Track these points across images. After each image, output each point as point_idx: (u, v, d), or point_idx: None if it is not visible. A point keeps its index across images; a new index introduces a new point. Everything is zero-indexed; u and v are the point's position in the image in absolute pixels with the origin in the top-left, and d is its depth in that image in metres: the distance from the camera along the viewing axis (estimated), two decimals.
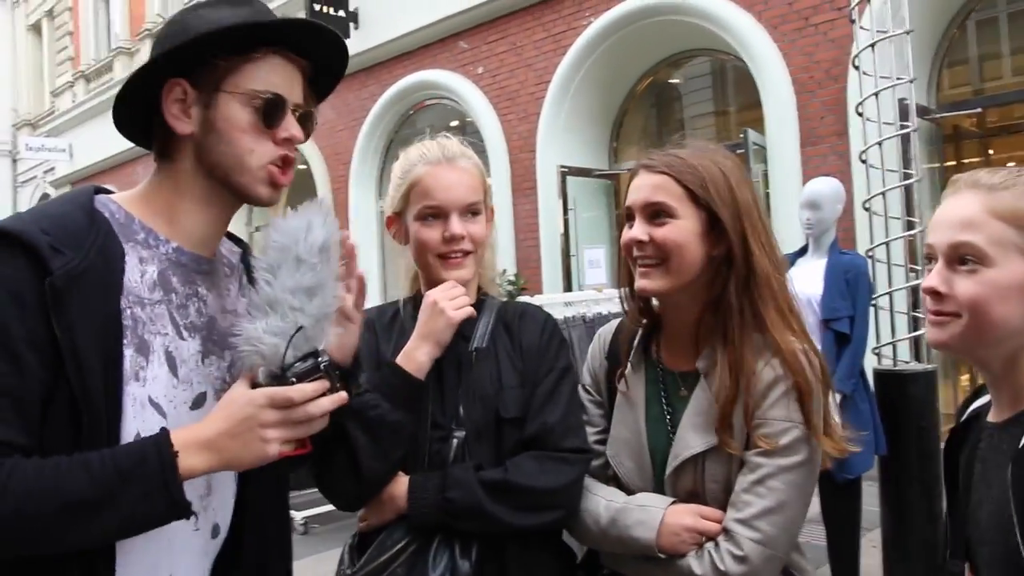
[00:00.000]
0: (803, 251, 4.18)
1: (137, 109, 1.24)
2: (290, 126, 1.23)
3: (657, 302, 1.63)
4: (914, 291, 4.10)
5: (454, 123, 10.13)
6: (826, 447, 1.45)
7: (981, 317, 1.13)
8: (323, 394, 1.15)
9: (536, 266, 8.74)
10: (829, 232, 4.06)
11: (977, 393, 1.35)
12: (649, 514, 1.50)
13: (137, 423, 1.13)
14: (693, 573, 1.44)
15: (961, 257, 1.16)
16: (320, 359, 1.16)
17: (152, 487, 1.05)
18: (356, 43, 9.88)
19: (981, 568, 1.20)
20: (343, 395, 1.18)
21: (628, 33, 8.20)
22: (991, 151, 8.83)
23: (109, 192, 1.24)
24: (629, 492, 1.60)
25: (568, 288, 8.36)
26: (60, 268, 1.06)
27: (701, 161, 1.51)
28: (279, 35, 1.21)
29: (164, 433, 1.10)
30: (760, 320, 1.48)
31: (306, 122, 1.26)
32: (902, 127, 4.17)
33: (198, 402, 1.22)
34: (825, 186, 4.10)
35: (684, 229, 1.48)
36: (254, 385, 1.15)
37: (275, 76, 1.21)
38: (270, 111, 1.20)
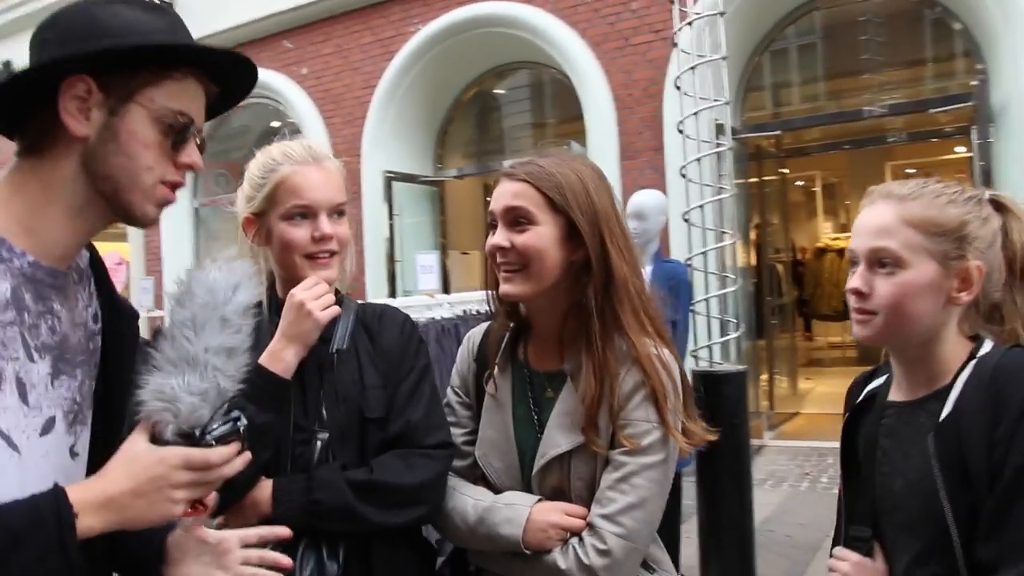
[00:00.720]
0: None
1: (8, 91, 1.09)
2: (192, 152, 1.16)
3: (523, 306, 1.67)
4: (725, 298, 4.43)
5: (275, 123, 9.86)
6: (681, 444, 1.54)
7: (898, 313, 1.28)
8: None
9: (359, 270, 8.67)
10: (653, 242, 4.30)
11: (869, 378, 1.50)
12: (516, 512, 1.53)
13: None
14: (558, 567, 1.48)
15: (880, 260, 1.29)
16: (239, 422, 1.13)
17: (48, 550, 0.97)
18: None
19: (891, 531, 1.34)
20: (249, 455, 1.15)
21: (455, 42, 8.30)
22: (786, 169, 9.63)
23: None
24: (497, 491, 1.62)
25: (392, 293, 8.35)
26: None
27: (560, 169, 1.55)
28: (201, 57, 1.14)
29: (60, 491, 1.01)
30: (619, 323, 1.53)
31: (201, 149, 1.20)
32: (718, 145, 4.49)
33: (47, 427, 1.10)
34: (650, 198, 4.34)
35: (543, 235, 1.52)
36: (154, 440, 1.09)
37: (188, 98, 1.14)
38: (180, 133, 1.13)
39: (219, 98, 1.21)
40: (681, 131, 4.43)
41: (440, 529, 1.67)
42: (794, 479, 6.49)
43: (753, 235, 8.53)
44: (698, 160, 4.34)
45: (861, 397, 1.47)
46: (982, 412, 1.19)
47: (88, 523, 1.01)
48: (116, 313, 1.25)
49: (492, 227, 1.59)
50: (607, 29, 7.39)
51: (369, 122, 8.72)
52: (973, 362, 1.27)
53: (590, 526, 1.50)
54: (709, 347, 4.24)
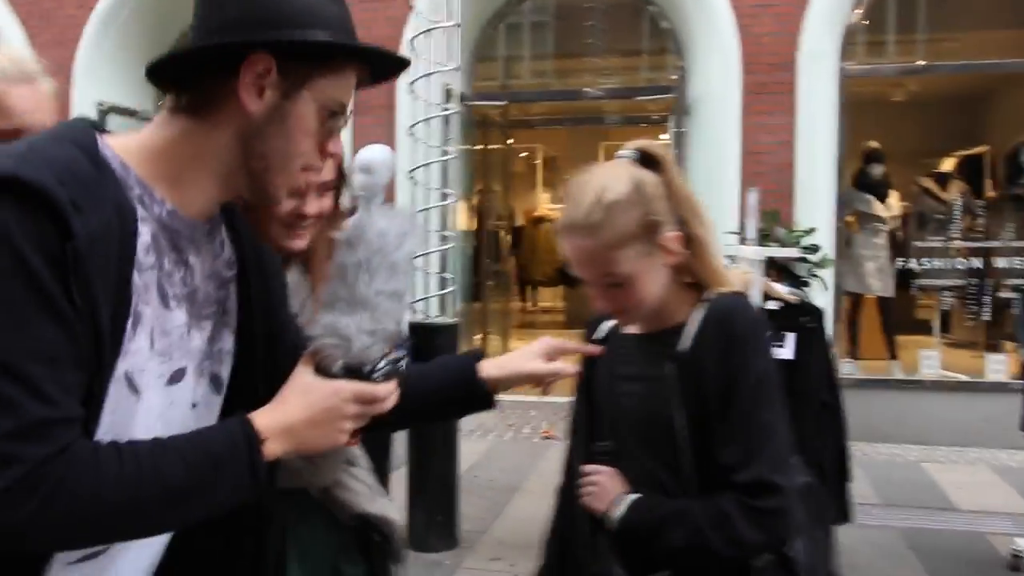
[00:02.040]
0: (353, 213, 4.50)
1: (194, 58, 1.07)
2: (338, 142, 1.16)
3: None
4: (444, 256, 4.67)
5: None
6: None
7: (645, 304, 1.49)
8: None
9: None
10: (379, 196, 4.42)
11: (601, 320, 1.69)
12: None
13: (109, 400, 1.01)
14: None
15: (613, 283, 1.49)
16: (400, 363, 1.19)
17: (241, 472, 1.04)
18: None
19: (630, 443, 1.56)
20: (399, 394, 1.21)
21: None
22: (511, 140, 10.11)
23: (102, 131, 1.06)
24: None
25: None
26: (82, 230, 0.91)
27: None
28: (371, 55, 1.15)
29: (246, 418, 1.07)
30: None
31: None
32: (445, 109, 4.69)
33: (175, 378, 1.11)
34: (378, 153, 4.44)
35: None
36: (320, 372, 1.14)
37: (348, 89, 1.13)
38: (335, 125, 1.13)
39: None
40: (412, 92, 4.57)
41: None
42: (499, 430, 6.96)
43: (476, 200, 8.91)
44: (427, 121, 4.52)
45: (601, 334, 1.68)
46: (716, 342, 1.44)
47: (272, 448, 1.07)
48: (258, 254, 1.25)
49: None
50: None
51: (83, 46, 8.02)
52: (704, 304, 1.51)
53: None
54: (426, 299, 4.46)
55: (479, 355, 1.49)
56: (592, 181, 1.50)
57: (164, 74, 1.10)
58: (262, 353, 1.23)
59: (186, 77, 1.09)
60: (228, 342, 1.21)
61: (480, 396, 1.45)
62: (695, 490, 1.46)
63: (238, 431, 1.05)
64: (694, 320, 1.49)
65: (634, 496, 1.52)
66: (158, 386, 1.09)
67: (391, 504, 1.79)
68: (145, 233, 1.05)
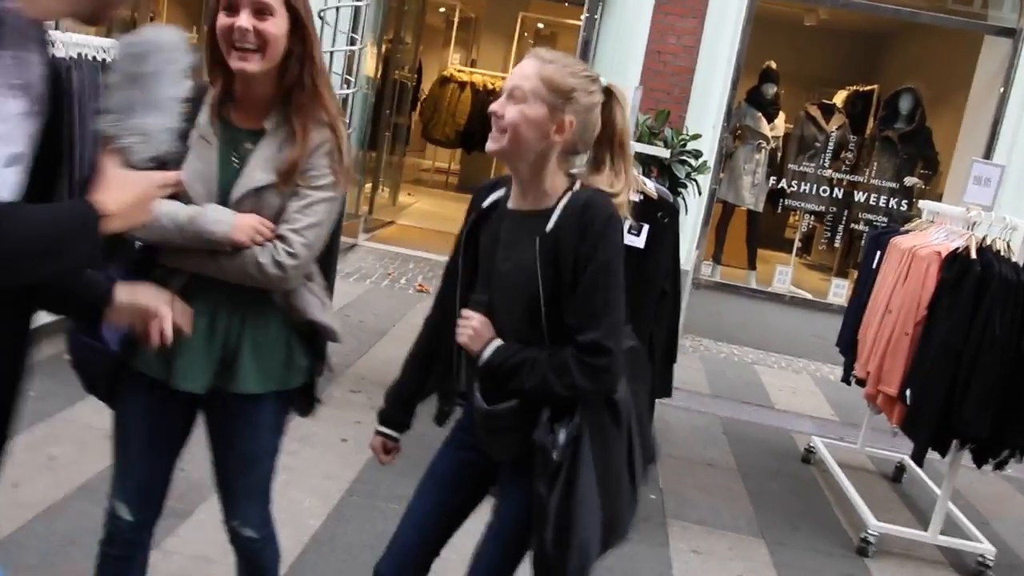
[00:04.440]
0: None
1: None
2: None
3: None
4: (346, 101, 4.72)
5: None
6: (345, 186, 1.99)
7: (516, 133, 1.80)
8: None
9: None
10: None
11: (491, 189, 1.99)
12: (224, 214, 1.86)
13: None
14: (257, 260, 1.85)
15: (513, 94, 1.80)
16: (178, 152, 1.48)
17: (88, 240, 1.30)
18: None
19: (500, 298, 1.88)
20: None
21: None
22: None
23: None
24: None
25: None
26: None
27: None
28: None
29: (91, 200, 1.31)
30: (319, 95, 1.92)
31: None
32: None
33: (13, 161, 1.28)
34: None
35: (280, 25, 1.86)
36: (130, 165, 1.41)
37: None
38: None
39: None
40: None
41: (144, 230, 1.84)
42: (377, 277, 7.19)
43: (384, 49, 8.79)
44: None
45: (488, 203, 1.98)
46: (574, 229, 1.76)
47: (109, 224, 1.31)
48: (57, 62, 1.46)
49: (227, 10, 1.84)
50: None
51: None
52: (569, 193, 1.83)
53: (280, 237, 1.88)
54: None
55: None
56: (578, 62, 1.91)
57: None
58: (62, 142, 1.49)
59: None
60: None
61: (95, 307, 1.71)
62: (546, 342, 1.81)
63: (87, 208, 1.31)
64: (560, 205, 1.82)
65: (499, 342, 1.85)
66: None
67: (335, 317, 2.09)
68: None
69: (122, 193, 1.36)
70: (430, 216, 10.36)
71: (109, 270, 1.80)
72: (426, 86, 12.85)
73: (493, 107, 1.84)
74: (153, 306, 1.73)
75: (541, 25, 14.19)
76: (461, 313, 1.92)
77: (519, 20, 13.62)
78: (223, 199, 1.90)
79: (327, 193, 1.93)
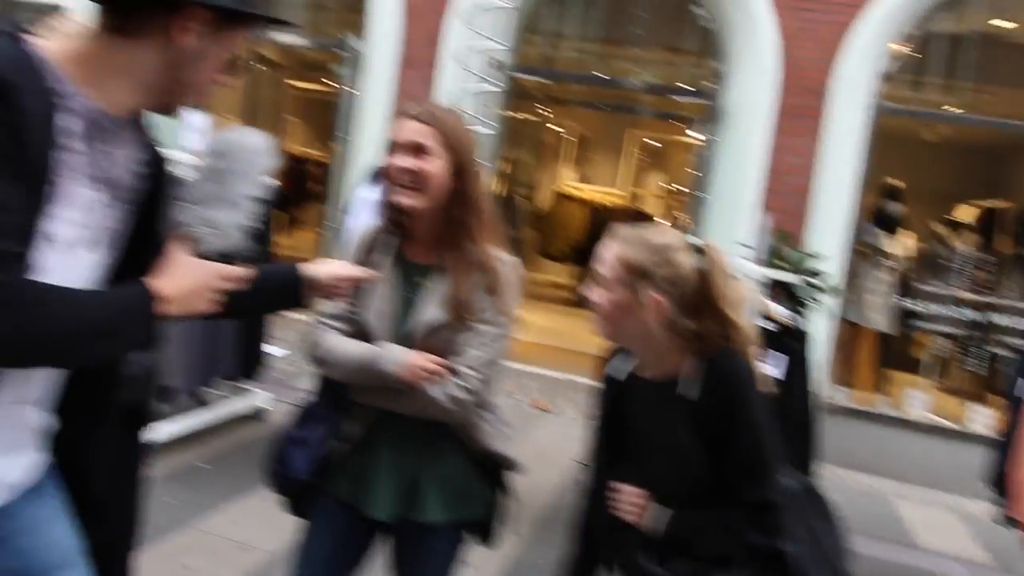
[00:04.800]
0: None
1: None
2: (229, 78, 1.47)
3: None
4: None
5: None
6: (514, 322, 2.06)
7: (607, 319, 1.87)
8: None
9: None
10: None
11: (618, 359, 2.01)
12: (397, 355, 1.95)
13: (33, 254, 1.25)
14: (433, 396, 1.93)
15: (598, 279, 1.86)
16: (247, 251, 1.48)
17: (141, 323, 1.33)
18: None
19: (651, 469, 1.91)
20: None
21: None
22: (547, 113, 10.11)
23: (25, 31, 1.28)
24: None
25: None
26: (25, 105, 1.18)
27: (450, 116, 2.00)
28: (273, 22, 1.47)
29: (146, 282, 1.35)
30: (480, 235, 2.00)
31: None
32: (490, 81, 4.80)
33: (94, 245, 1.36)
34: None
35: (439, 165, 1.95)
36: (198, 255, 1.46)
37: (241, 43, 1.44)
38: (230, 66, 1.44)
39: None
40: (465, 68, 4.68)
41: (329, 369, 2.02)
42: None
43: (502, 167, 8.99)
44: (472, 94, 4.63)
45: (621, 374, 2.00)
46: (712, 395, 1.78)
47: (164, 308, 1.36)
48: (159, 160, 1.52)
49: (392, 151, 1.97)
50: None
51: None
52: (697, 359, 1.81)
53: (456, 372, 1.93)
54: None
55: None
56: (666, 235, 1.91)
57: None
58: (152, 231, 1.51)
59: (124, 4, 1.33)
60: (125, 224, 1.46)
61: (296, 290, 1.80)
62: (702, 503, 1.85)
63: (142, 291, 1.34)
64: (698, 372, 1.81)
65: (667, 511, 1.87)
66: (78, 249, 1.34)
67: (512, 447, 2.14)
68: (70, 121, 1.28)
69: (182, 279, 1.41)
70: (547, 332, 10.35)
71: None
72: (539, 202, 13.05)
73: (590, 297, 1.88)
74: (344, 273, 1.87)
75: (650, 141, 14.35)
76: (613, 486, 1.94)
77: (627, 137, 13.81)
78: (401, 333, 1.99)
79: (497, 329, 1.99)
